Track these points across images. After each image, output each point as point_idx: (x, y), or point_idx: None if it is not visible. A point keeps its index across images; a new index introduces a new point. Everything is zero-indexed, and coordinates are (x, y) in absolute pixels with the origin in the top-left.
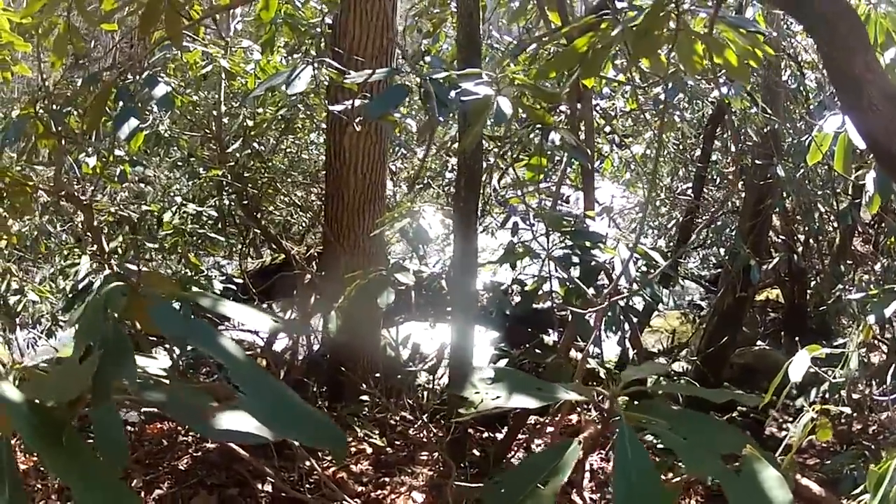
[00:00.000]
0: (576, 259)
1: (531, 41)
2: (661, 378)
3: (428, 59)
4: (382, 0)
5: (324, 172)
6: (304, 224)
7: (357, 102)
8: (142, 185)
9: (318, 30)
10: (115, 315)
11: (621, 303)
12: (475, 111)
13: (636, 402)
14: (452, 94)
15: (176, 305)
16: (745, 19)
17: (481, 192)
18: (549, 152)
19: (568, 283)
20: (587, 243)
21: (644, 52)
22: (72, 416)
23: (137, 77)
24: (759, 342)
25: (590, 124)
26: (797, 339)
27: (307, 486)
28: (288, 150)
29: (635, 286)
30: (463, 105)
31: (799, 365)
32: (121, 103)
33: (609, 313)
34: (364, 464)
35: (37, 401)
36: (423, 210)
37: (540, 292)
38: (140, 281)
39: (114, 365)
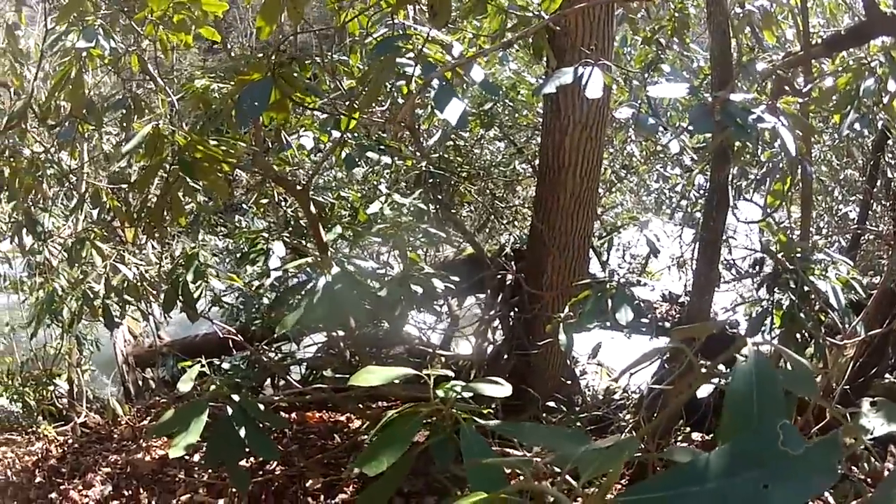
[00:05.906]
0: (792, 284)
1: (779, 65)
2: None
3: (666, 68)
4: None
5: (497, 169)
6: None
7: (630, 111)
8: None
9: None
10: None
11: None
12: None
13: None
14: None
15: None
16: None
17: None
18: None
19: (790, 309)
20: (804, 268)
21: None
22: None
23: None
24: (887, 375)
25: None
26: None
27: None
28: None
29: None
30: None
31: None
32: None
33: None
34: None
35: None
36: (651, 220)
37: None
38: None
39: None
